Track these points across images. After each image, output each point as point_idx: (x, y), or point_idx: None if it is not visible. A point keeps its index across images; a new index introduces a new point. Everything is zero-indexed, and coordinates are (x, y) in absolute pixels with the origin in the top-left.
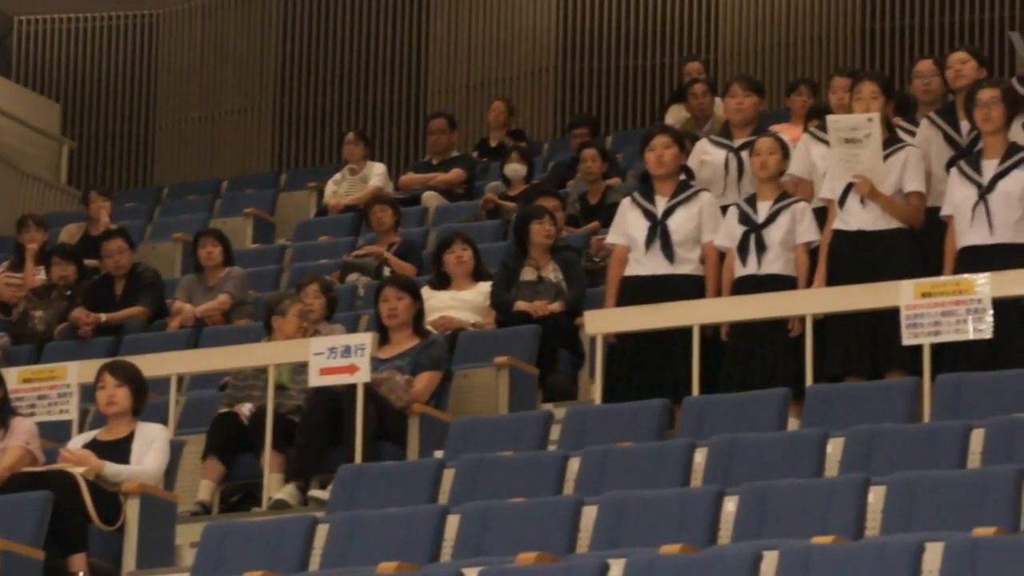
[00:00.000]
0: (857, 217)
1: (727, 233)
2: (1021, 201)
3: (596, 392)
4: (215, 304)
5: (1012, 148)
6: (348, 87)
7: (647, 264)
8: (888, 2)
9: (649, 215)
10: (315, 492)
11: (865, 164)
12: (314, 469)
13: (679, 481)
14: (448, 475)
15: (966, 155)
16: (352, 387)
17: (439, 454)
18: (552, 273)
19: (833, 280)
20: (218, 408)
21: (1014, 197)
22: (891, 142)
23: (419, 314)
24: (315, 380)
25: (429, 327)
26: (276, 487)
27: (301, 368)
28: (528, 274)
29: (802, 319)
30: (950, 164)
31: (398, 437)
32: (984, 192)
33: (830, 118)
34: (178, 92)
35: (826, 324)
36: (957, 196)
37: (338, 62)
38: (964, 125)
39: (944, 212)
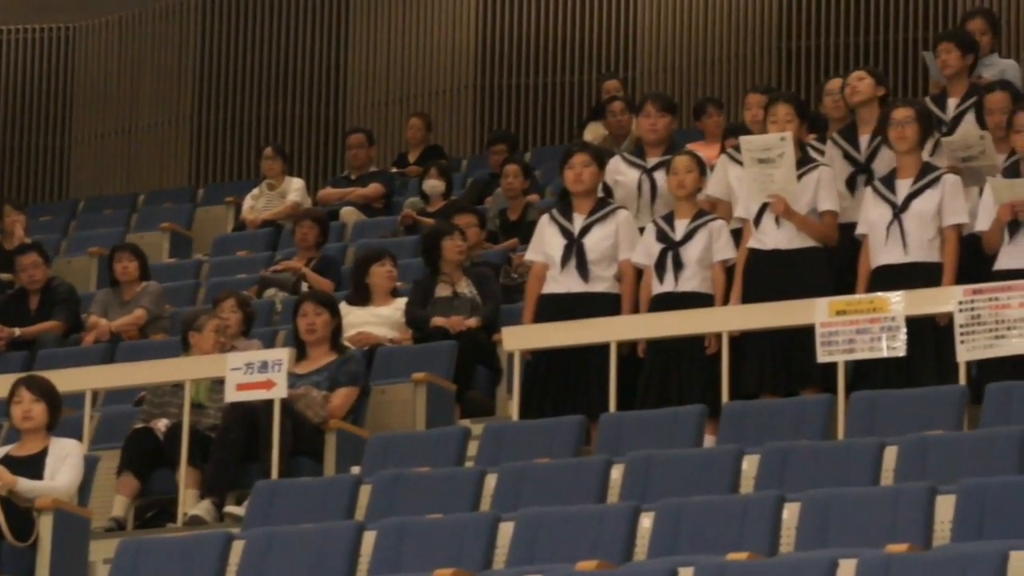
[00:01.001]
0: (772, 236)
1: (645, 251)
2: (934, 220)
3: (513, 408)
4: (131, 319)
5: (926, 168)
6: (266, 102)
7: (563, 282)
8: (803, 22)
9: (566, 233)
10: (231, 508)
11: (779, 184)
12: (230, 485)
13: (596, 497)
14: (365, 491)
15: (865, 170)
16: (269, 403)
17: (356, 470)
18: (467, 289)
19: (749, 298)
20: (133, 423)
21: (928, 216)
22: (804, 162)
23: (337, 330)
24: (231, 396)
25: (347, 343)
26: (191, 503)
27: (218, 386)
28: (443, 290)
29: (718, 336)
30: (850, 180)
31: (315, 453)
32: (898, 211)
33: (743, 139)
34: (95, 105)
35: (742, 341)
36: (872, 215)
37: (256, 76)
38: (863, 141)
39: (859, 231)
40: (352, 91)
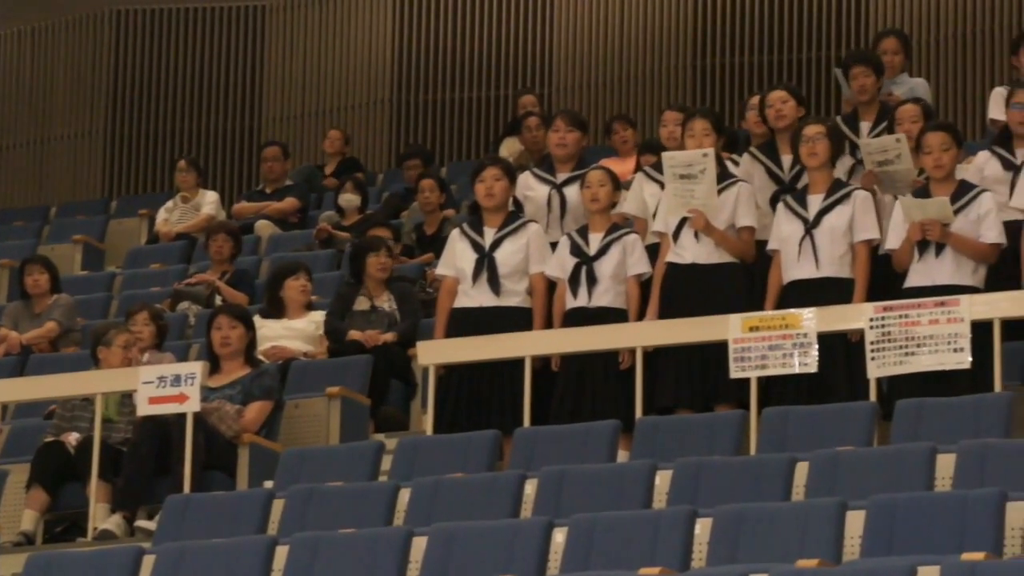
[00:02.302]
0: (691, 251)
1: (559, 264)
2: (846, 236)
3: (427, 423)
4: (42, 332)
5: (836, 184)
6: (181, 114)
7: (474, 296)
8: (717, 40)
9: (477, 247)
10: (142, 522)
11: (700, 199)
12: (141, 499)
13: (509, 512)
14: (278, 505)
15: (789, 190)
16: (181, 416)
17: (269, 484)
18: (386, 303)
19: (667, 312)
20: (43, 437)
21: (839, 232)
22: (723, 177)
23: (251, 343)
24: (144, 409)
25: (261, 356)
26: (102, 517)
27: (127, 400)
28: (362, 304)
29: (632, 351)
30: (773, 199)
31: (228, 467)
32: (810, 227)
33: (666, 155)
34: (7, 116)
35: (658, 356)
36: (784, 231)
37: (171, 88)
38: (786, 160)
39: (770, 246)
40: (267, 104)
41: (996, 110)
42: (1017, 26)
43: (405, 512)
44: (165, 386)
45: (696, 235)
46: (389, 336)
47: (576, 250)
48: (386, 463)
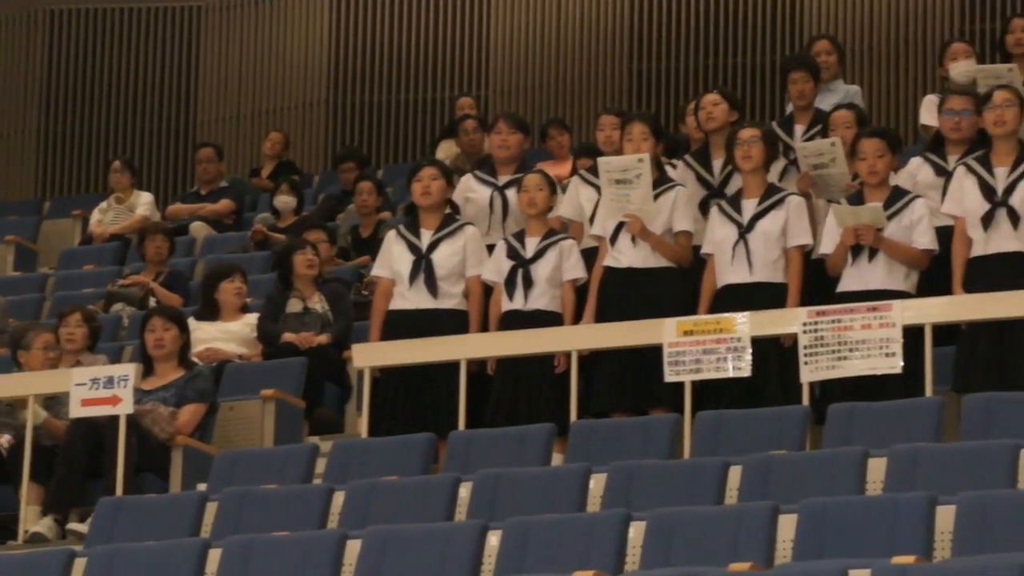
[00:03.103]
0: (628, 255)
1: (495, 268)
2: (779, 241)
3: (362, 425)
4: None
5: (771, 189)
6: (115, 114)
7: (411, 298)
8: (654, 44)
9: (414, 248)
10: (74, 525)
11: (636, 204)
12: (73, 501)
13: (444, 515)
14: (211, 508)
15: (719, 194)
16: (114, 418)
17: (202, 487)
18: (318, 304)
19: (603, 316)
20: None
21: (772, 237)
22: (661, 182)
23: (185, 345)
24: (76, 411)
25: (195, 359)
26: (33, 520)
27: (50, 403)
28: (294, 306)
29: (567, 355)
30: (703, 203)
31: (161, 469)
32: (744, 232)
33: (601, 160)
34: None
35: (593, 360)
36: (718, 235)
37: (105, 88)
38: (717, 164)
39: (704, 250)
40: (203, 105)
41: (928, 116)
42: (948, 33)
43: (339, 515)
44: (98, 388)
45: (633, 239)
46: (323, 338)
47: (513, 253)
48: (320, 466)
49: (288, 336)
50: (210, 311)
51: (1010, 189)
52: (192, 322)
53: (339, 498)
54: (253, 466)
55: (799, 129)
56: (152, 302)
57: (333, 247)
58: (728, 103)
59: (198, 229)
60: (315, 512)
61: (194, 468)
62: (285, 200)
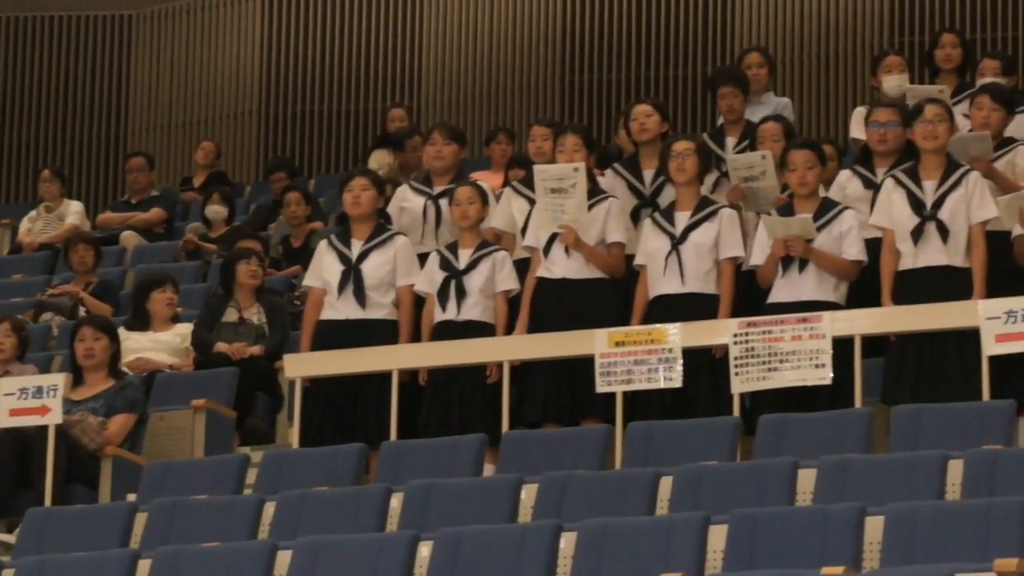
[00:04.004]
0: (561, 266)
1: (428, 279)
2: (711, 252)
3: (294, 436)
4: None
5: (704, 201)
6: (45, 123)
7: (341, 308)
8: (586, 56)
9: (344, 258)
10: (1, 536)
11: (570, 214)
12: (1, 512)
13: (375, 526)
14: (140, 519)
15: (650, 204)
16: (43, 428)
17: (132, 497)
18: (255, 315)
19: (536, 327)
20: None
21: (705, 248)
22: (594, 193)
23: (115, 355)
24: (4, 421)
25: (125, 368)
26: None
27: None
28: (230, 315)
29: (499, 365)
30: (634, 213)
31: (90, 480)
32: (677, 243)
33: (537, 168)
34: None
35: (525, 371)
36: (651, 246)
37: (36, 97)
38: (648, 174)
39: (637, 262)
40: (133, 114)
41: (857, 129)
42: (879, 46)
43: (270, 526)
44: (27, 398)
45: (566, 250)
46: (255, 349)
47: (445, 264)
48: (251, 476)
49: (221, 346)
50: (141, 321)
51: (939, 203)
52: (122, 332)
53: (270, 509)
54: (183, 477)
55: (730, 141)
56: (82, 312)
57: (267, 257)
58: (660, 114)
59: (129, 239)
60: (245, 523)
61: (124, 478)
62: (216, 210)
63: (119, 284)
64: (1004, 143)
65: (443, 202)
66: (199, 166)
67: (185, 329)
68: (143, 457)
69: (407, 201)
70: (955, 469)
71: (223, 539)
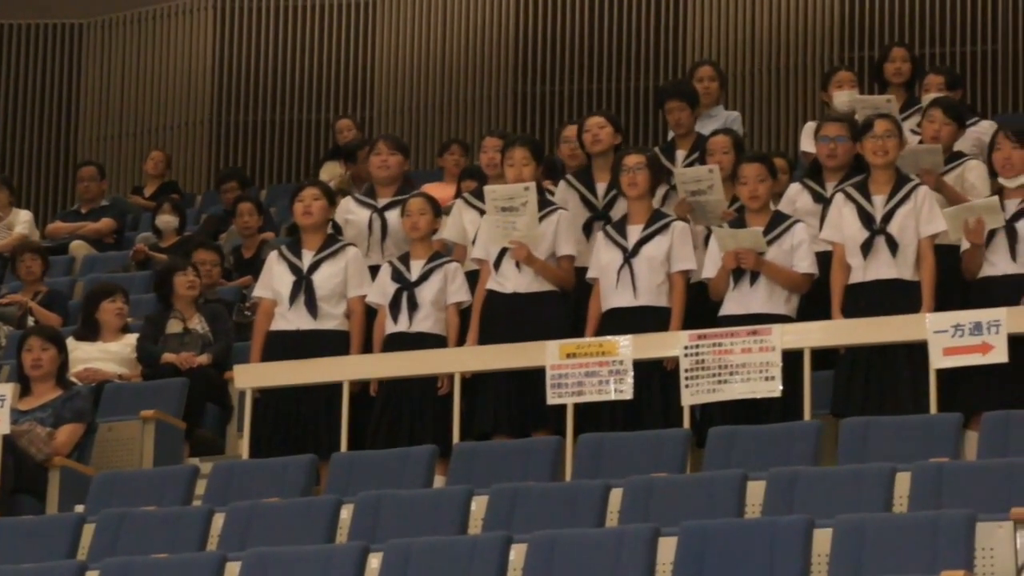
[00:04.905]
0: (512, 280)
1: (379, 290)
2: (663, 266)
3: (243, 447)
4: None
5: (656, 214)
6: None
7: (292, 319)
8: (538, 67)
9: (295, 269)
10: None
11: (521, 231)
12: None
13: (325, 537)
14: (88, 530)
15: (603, 216)
16: None
17: (80, 508)
18: (199, 325)
19: (487, 340)
20: None
21: (657, 261)
22: (543, 205)
23: (63, 365)
24: None
25: (73, 379)
26: None
27: None
28: (174, 326)
29: (451, 377)
30: (587, 225)
31: (37, 491)
32: (629, 256)
33: (487, 188)
34: None
35: (476, 382)
36: (603, 259)
37: None
38: (601, 186)
39: (590, 275)
40: (84, 123)
41: (807, 143)
42: (829, 61)
43: (219, 537)
44: None
45: (517, 264)
46: (203, 358)
47: (397, 276)
48: (200, 487)
49: (168, 356)
50: (90, 331)
51: (888, 217)
52: (71, 342)
53: (219, 520)
54: (132, 488)
55: (680, 155)
56: (30, 321)
57: (217, 268)
58: (612, 126)
59: (78, 248)
60: (194, 534)
61: (71, 489)
62: (167, 220)
63: (68, 294)
64: (954, 157)
65: (388, 214)
66: (149, 176)
67: (135, 339)
68: (91, 468)
69: (351, 213)
70: (902, 482)
71: (172, 550)
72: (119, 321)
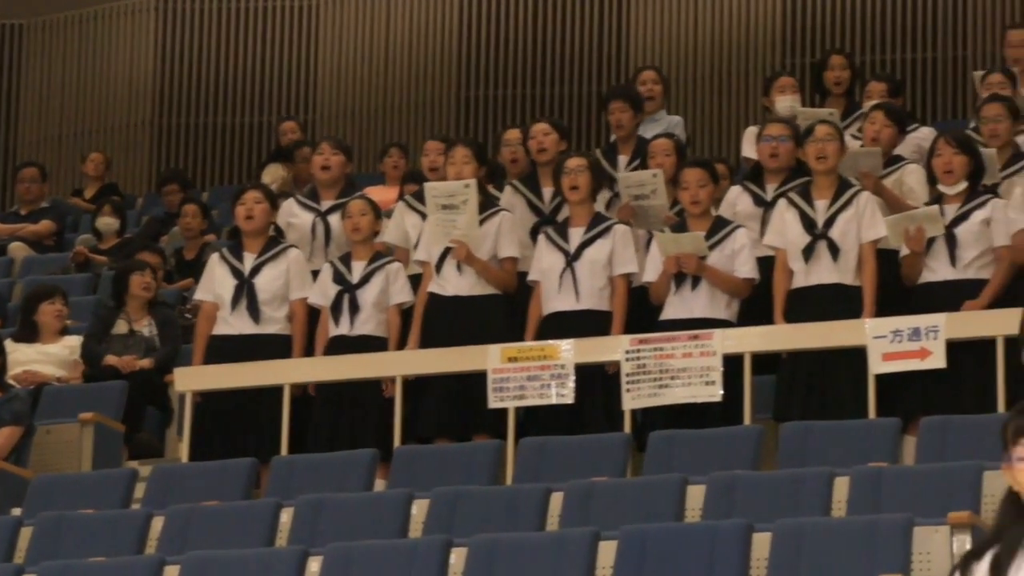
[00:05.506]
0: (453, 282)
1: (321, 292)
2: (605, 269)
3: (183, 450)
4: None
5: (598, 217)
6: None
7: (233, 323)
8: (482, 72)
9: (236, 272)
10: None
11: (462, 229)
12: None
13: (265, 541)
14: (25, 533)
15: (550, 221)
16: None
17: (17, 511)
18: (146, 328)
19: (428, 343)
20: None
21: (599, 265)
22: (486, 207)
23: (1, 368)
24: None
25: (11, 381)
26: None
27: None
28: (121, 327)
29: (393, 380)
30: (534, 230)
31: None
32: (571, 260)
33: (428, 185)
34: None
35: (418, 386)
36: (545, 262)
37: None
38: (547, 192)
39: (531, 278)
40: (24, 124)
41: (748, 148)
42: (771, 66)
43: (158, 540)
44: None
45: (459, 267)
46: (145, 362)
47: (339, 278)
48: (140, 490)
49: (110, 359)
50: (29, 333)
51: (830, 222)
52: (10, 344)
53: (158, 523)
54: (70, 491)
55: (623, 159)
56: None
57: (164, 270)
58: (558, 133)
59: (17, 250)
60: (133, 537)
61: (9, 492)
62: (107, 222)
63: (7, 296)
64: (893, 160)
65: (331, 218)
66: (89, 177)
67: (74, 341)
68: (29, 471)
69: (295, 216)
70: (841, 486)
71: (110, 554)
72: (58, 323)
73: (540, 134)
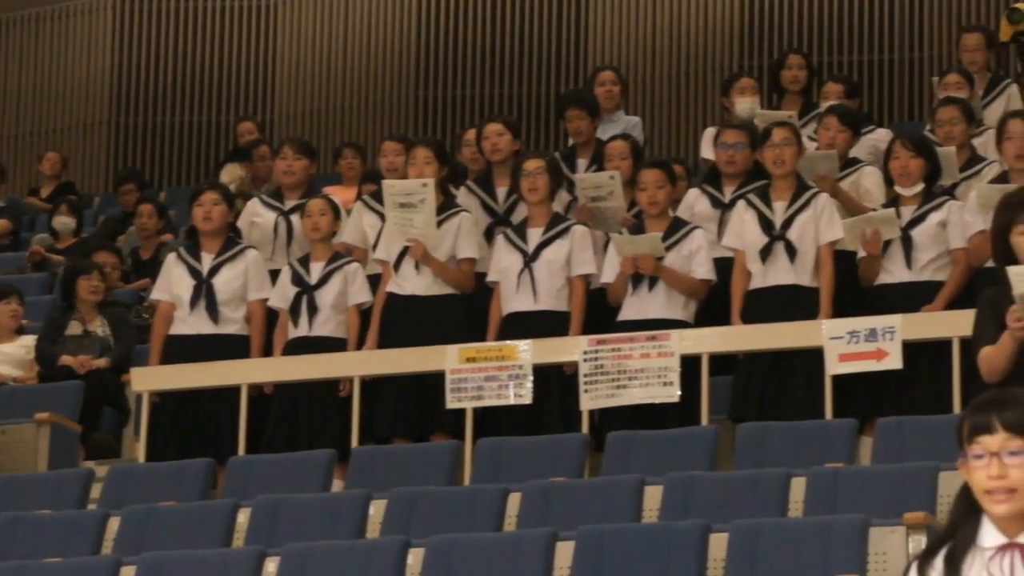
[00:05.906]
0: (411, 281)
1: (280, 294)
2: (563, 270)
3: (140, 450)
4: None
5: (556, 218)
6: None
7: (191, 323)
8: (440, 72)
9: (194, 272)
10: None
11: (419, 228)
12: None
13: (221, 541)
14: None
15: (504, 222)
16: None
17: None
18: (100, 328)
19: (386, 343)
20: None
21: (557, 265)
22: (446, 207)
23: None
24: None
25: None
26: None
27: None
28: (74, 328)
29: (351, 380)
30: (488, 231)
31: None
32: (529, 260)
33: (386, 183)
34: None
35: (375, 386)
36: (503, 263)
37: None
38: (501, 192)
39: (490, 278)
40: None
41: (707, 149)
42: (729, 67)
43: (114, 541)
44: None
45: (417, 266)
46: (101, 362)
47: (297, 279)
48: (96, 491)
49: (66, 359)
50: None
51: (788, 223)
52: None
53: (114, 523)
54: (26, 491)
55: (582, 163)
56: None
57: (118, 270)
58: (511, 133)
59: None
60: (89, 538)
61: None
62: (64, 221)
63: None
64: (849, 163)
65: (294, 218)
66: (45, 177)
67: (30, 341)
68: None
69: (258, 216)
70: (798, 487)
71: (66, 555)
72: (14, 323)
73: (494, 134)
